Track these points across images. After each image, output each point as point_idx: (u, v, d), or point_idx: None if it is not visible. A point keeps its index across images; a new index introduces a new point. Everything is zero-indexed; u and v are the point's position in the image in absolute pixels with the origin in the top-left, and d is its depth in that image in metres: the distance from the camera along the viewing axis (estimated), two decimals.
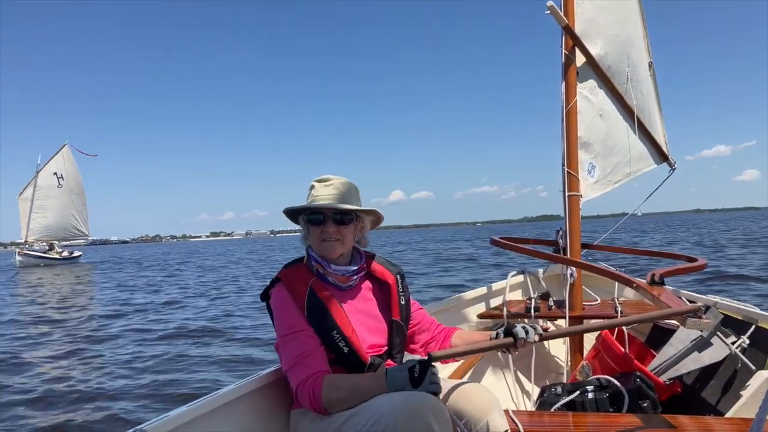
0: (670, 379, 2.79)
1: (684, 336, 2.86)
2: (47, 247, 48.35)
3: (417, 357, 1.93)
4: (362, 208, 2.11)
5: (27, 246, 46.92)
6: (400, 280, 2.21)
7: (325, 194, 2.06)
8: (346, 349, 1.95)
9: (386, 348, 2.09)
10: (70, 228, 49.61)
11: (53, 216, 48.48)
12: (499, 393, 3.47)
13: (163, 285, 21.11)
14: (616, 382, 2.62)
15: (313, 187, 2.11)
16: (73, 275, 31.50)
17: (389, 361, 2.07)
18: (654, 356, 3.05)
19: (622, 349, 2.95)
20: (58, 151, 48.96)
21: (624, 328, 3.29)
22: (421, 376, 1.76)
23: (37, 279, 29.02)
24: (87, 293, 20.02)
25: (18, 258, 44.72)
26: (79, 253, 51.62)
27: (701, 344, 2.79)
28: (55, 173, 48.32)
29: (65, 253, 49.08)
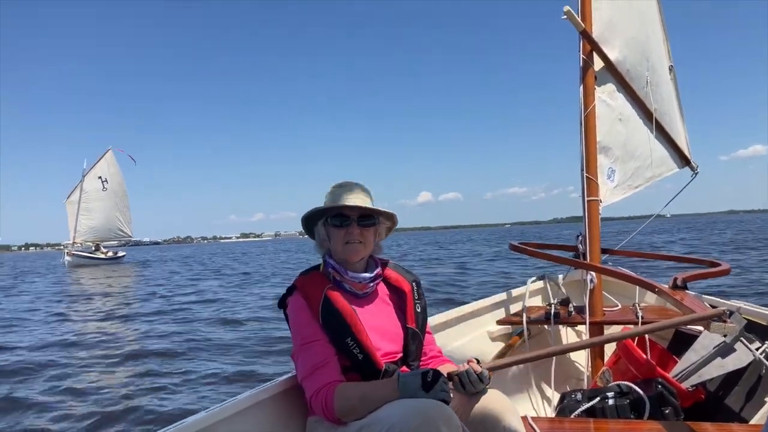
0: (692, 386, 2.68)
1: (707, 342, 2.76)
2: (93, 248, 49.86)
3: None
4: (384, 210, 2.09)
5: (70, 247, 48.47)
6: (415, 288, 2.17)
7: (347, 197, 2.04)
8: (360, 356, 1.92)
9: (401, 355, 2.05)
10: (115, 229, 51.09)
11: (99, 218, 50.03)
12: (519, 399, 3.40)
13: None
14: (637, 388, 2.55)
15: (332, 192, 2.09)
16: (133, 273, 33.09)
17: (404, 368, 2.02)
18: (676, 362, 2.95)
19: (644, 356, 2.85)
20: (102, 156, 50.53)
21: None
22: (433, 381, 1.74)
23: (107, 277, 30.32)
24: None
25: (67, 258, 46.24)
26: (123, 254, 53.02)
27: (725, 350, 2.68)
28: (100, 177, 49.86)
29: (110, 254, 50.49)
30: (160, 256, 70.97)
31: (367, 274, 2.07)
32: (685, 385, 2.66)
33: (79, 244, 49.49)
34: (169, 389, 6.42)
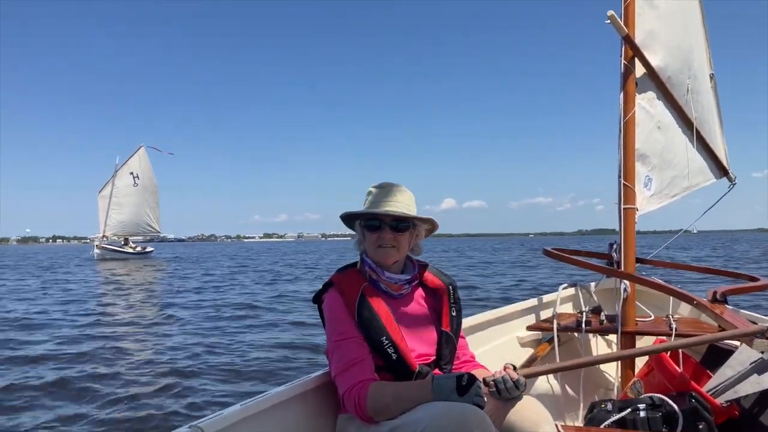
0: (727, 402, 2.60)
1: (743, 357, 2.67)
2: (122, 242, 50.83)
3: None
4: (419, 215, 2.06)
5: (99, 240, 49.52)
6: (452, 291, 2.15)
7: (383, 200, 2.02)
8: (394, 356, 1.90)
9: (434, 358, 2.03)
10: (144, 225, 51.94)
11: (128, 213, 50.91)
12: (546, 406, 3.33)
13: None
14: (670, 401, 2.47)
15: (370, 192, 2.08)
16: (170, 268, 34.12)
17: (436, 371, 2.01)
18: (710, 377, 2.86)
19: (678, 369, 2.78)
20: (134, 153, 51.48)
21: None
22: (468, 385, 1.71)
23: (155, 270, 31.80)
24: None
25: (96, 251, 47.21)
26: (152, 249, 53.91)
27: (761, 366, 2.60)
28: (132, 173, 50.78)
29: (138, 248, 51.36)
30: (186, 252, 72.25)
31: (403, 276, 2.06)
32: (720, 400, 2.58)
33: (106, 238, 50.48)
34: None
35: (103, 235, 50.19)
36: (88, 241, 51.21)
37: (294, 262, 38.39)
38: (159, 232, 53.54)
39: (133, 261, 43.83)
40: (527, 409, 1.86)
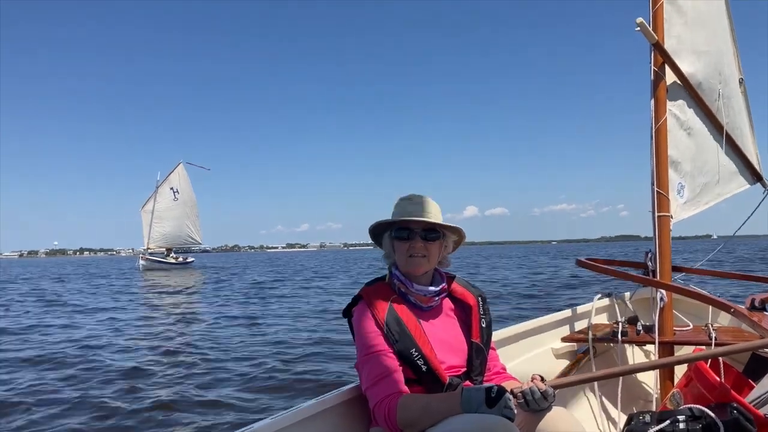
0: None
1: None
2: (165, 253, 52.06)
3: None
4: (449, 224, 2.02)
5: (144, 252, 50.89)
6: (481, 303, 2.09)
7: (412, 211, 1.98)
8: (424, 368, 1.85)
9: (465, 370, 1.96)
10: (185, 236, 53.14)
11: (170, 226, 52.22)
12: (583, 419, 3.20)
13: None
14: (710, 412, 2.34)
15: (399, 204, 2.04)
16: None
17: (467, 383, 1.94)
18: (752, 387, 2.70)
19: (718, 379, 2.63)
20: (174, 169, 52.84)
21: None
22: (497, 397, 1.64)
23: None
24: None
25: (141, 263, 48.47)
26: (192, 259, 55.06)
27: None
28: (172, 188, 52.12)
29: (180, 259, 52.53)
30: (222, 262, 73.48)
31: (432, 288, 2.01)
32: (763, 411, 2.43)
33: (148, 249, 51.76)
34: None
35: (147, 248, 51.53)
36: (114, 252, 52.68)
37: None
38: (200, 243, 54.64)
39: (176, 271, 44.65)
40: (558, 421, 1.79)
